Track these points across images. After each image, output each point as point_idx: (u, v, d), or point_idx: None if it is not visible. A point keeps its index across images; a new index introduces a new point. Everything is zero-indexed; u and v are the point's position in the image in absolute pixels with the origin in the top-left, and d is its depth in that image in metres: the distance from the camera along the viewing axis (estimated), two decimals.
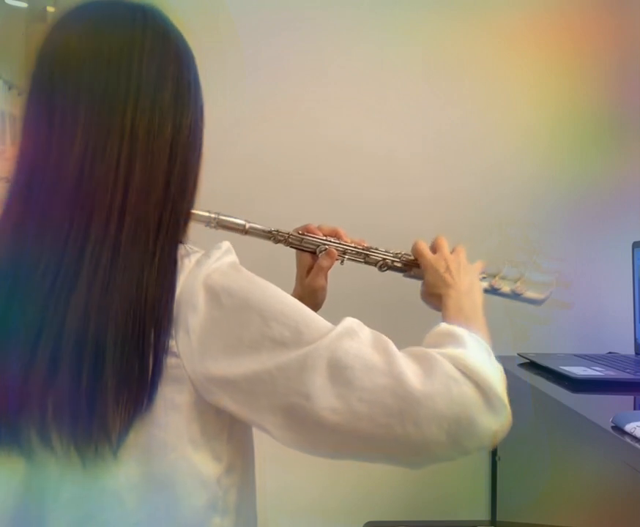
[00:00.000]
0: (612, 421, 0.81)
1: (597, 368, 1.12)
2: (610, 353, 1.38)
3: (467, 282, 0.88)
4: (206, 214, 0.86)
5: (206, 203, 0.87)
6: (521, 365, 1.27)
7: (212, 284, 0.65)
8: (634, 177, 1.54)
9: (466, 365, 0.66)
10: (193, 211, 0.73)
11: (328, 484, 1.43)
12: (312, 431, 0.64)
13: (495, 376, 0.67)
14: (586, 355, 1.29)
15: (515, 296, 1.00)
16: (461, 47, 1.52)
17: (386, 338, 0.68)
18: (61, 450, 0.62)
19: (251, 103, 1.49)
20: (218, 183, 1.37)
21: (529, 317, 1.38)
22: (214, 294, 0.64)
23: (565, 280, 1.03)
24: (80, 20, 0.68)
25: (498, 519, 1.42)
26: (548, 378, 1.12)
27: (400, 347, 0.68)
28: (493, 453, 1.41)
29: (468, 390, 0.65)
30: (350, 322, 0.68)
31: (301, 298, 0.92)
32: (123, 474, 0.64)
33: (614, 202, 1.54)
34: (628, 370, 1.12)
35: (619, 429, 0.79)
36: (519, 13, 1.53)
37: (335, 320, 0.68)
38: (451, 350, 0.68)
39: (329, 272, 0.96)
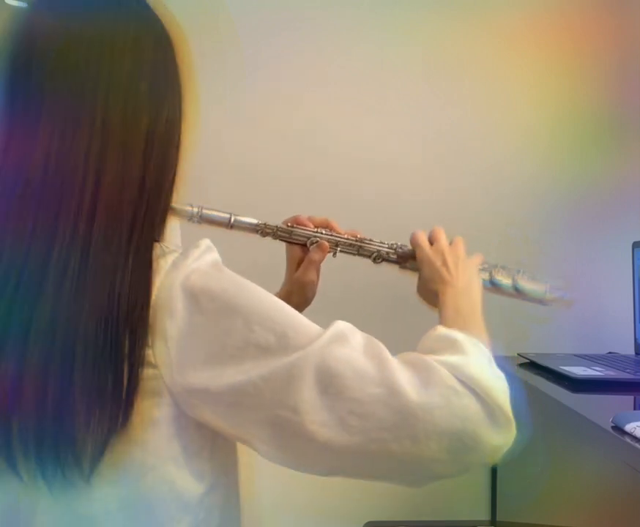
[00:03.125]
0: (612, 421, 0.81)
1: (597, 368, 1.12)
2: (610, 353, 1.38)
3: (465, 277, 0.83)
4: (189, 208, 0.82)
5: (205, 204, 0.87)
6: (521, 365, 1.27)
7: (191, 286, 0.59)
8: (634, 177, 1.54)
9: (466, 375, 0.61)
10: (174, 205, 0.67)
11: (328, 484, 1.43)
12: (300, 447, 0.59)
13: (498, 386, 0.62)
14: (586, 355, 1.29)
15: (515, 288, 0.96)
16: (461, 47, 1.52)
17: (379, 343, 0.63)
18: (27, 476, 0.57)
19: (251, 103, 1.49)
20: (218, 182, 1.37)
21: (529, 317, 1.38)
22: (194, 298, 0.58)
23: (563, 283, 1.01)
24: (49, 3, 0.62)
25: (498, 519, 1.42)
26: (548, 378, 1.12)
27: (396, 348, 0.64)
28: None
29: (469, 402, 0.60)
30: (341, 326, 0.62)
31: (290, 294, 0.91)
32: (98, 499, 0.59)
33: (614, 202, 1.54)
34: (628, 370, 1.12)
35: (619, 429, 0.79)
36: (519, 13, 1.53)
37: (326, 318, 0.63)
38: (450, 358, 0.62)
39: (322, 267, 0.91)
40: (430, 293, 0.85)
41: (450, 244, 0.89)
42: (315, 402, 0.58)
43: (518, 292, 0.97)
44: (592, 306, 1.52)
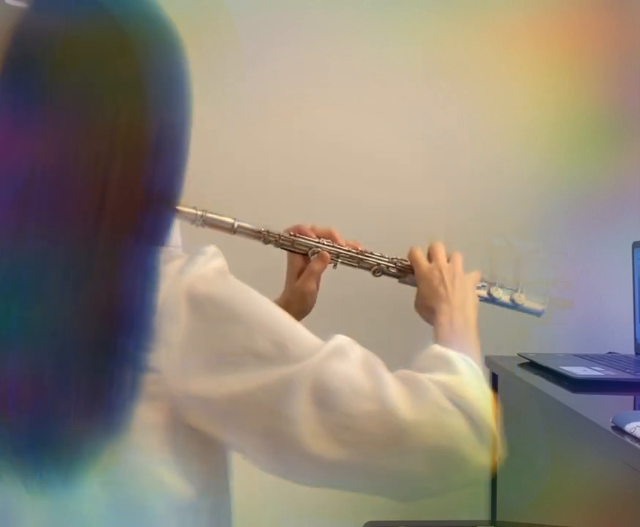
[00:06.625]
0: (612, 421, 0.80)
1: (597, 368, 1.12)
2: (610, 353, 1.38)
3: (461, 295, 0.85)
4: (192, 211, 0.81)
5: (203, 205, 0.86)
6: (521, 365, 1.27)
7: (196, 293, 0.59)
8: (634, 177, 1.54)
9: (457, 394, 0.62)
10: (178, 208, 0.68)
11: None
12: (292, 457, 0.60)
13: (488, 407, 0.64)
14: (586, 355, 1.29)
15: (514, 305, 0.98)
16: (461, 47, 1.52)
17: (377, 359, 0.64)
18: (23, 476, 0.57)
19: (251, 103, 1.49)
20: (217, 183, 1.37)
21: (529, 317, 1.38)
22: (198, 304, 0.59)
23: (564, 300, 1.02)
24: (60, 3, 0.61)
25: (498, 519, 1.42)
26: (548, 378, 1.12)
27: (392, 358, 0.65)
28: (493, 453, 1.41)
29: (458, 422, 0.61)
30: (340, 340, 0.63)
31: (290, 302, 0.91)
32: (90, 500, 0.59)
33: (614, 202, 1.54)
34: (628, 370, 1.12)
35: (619, 429, 0.78)
36: (519, 13, 1.53)
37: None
38: (442, 377, 0.64)
39: (322, 276, 0.92)
40: (427, 309, 0.87)
41: (448, 260, 0.89)
42: (310, 415, 0.58)
43: (516, 308, 0.99)
44: (592, 306, 1.52)
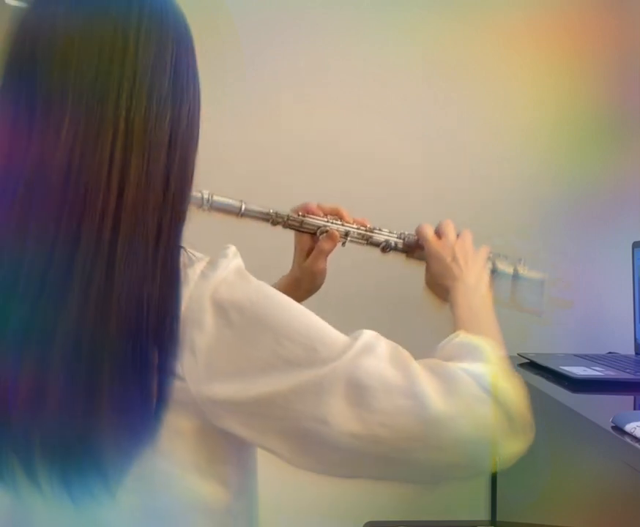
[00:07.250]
0: (612, 421, 0.80)
1: (597, 368, 1.12)
2: (610, 353, 1.38)
3: (475, 273, 0.84)
4: (199, 195, 0.81)
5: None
6: (521, 365, 1.27)
7: (220, 299, 0.57)
8: (634, 177, 1.54)
9: (489, 383, 0.62)
10: None
11: (328, 484, 1.43)
12: (328, 455, 0.59)
13: (518, 394, 0.64)
14: (586, 355, 1.29)
15: (516, 276, 0.98)
16: (461, 47, 1.52)
17: (404, 351, 0.63)
18: (48, 488, 0.55)
19: (251, 103, 1.49)
20: (217, 183, 1.37)
21: (529, 317, 1.38)
22: (222, 310, 0.57)
23: (564, 300, 1.03)
24: (62, 2, 0.58)
25: (498, 519, 1.42)
26: (548, 378, 1.12)
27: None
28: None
29: (492, 411, 0.61)
30: (367, 336, 0.62)
31: (299, 281, 0.92)
32: (121, 509, 0.58)
33: (614, 202, 1.53)
34: (628, 370, 1.12)
35: (619, 429, 0.78)
36: (519, 13, 1.53)
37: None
38: (472, 366, 0.63)
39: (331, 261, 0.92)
40: (440, 287, 0.86)
41: (458, 237, 0.89)
42: (344, 414, 0.58)
43: (515, 282, 0.99)
44: (592, 306, 1.52)
